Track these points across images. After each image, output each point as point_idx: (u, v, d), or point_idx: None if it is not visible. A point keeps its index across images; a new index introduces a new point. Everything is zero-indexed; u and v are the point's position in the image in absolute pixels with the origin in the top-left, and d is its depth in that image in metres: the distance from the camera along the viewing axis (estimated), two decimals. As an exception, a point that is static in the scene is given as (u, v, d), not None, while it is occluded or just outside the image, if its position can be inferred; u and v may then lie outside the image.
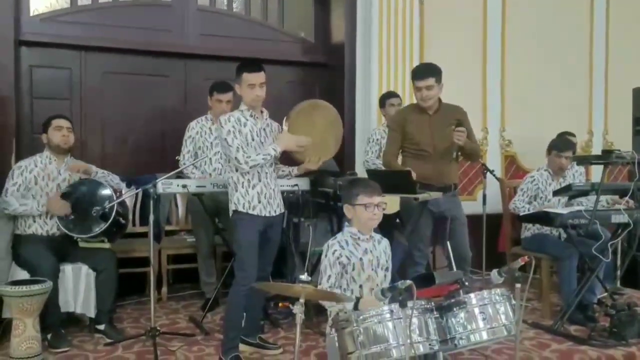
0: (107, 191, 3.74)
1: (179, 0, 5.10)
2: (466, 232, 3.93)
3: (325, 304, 2.74)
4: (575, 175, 4.49)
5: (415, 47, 5.39)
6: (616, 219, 3.90)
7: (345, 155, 5.17)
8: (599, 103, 6.41)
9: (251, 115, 3.29)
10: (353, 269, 2.73)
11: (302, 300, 2.22)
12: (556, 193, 4.19)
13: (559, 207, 4.26)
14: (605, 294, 4.27)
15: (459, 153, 3.86)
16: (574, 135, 5.23)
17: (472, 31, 5.73)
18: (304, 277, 2.27)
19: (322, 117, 3.62)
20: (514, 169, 5.96)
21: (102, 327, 3.69)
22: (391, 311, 2.32)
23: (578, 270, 4.11)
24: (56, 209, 3.65)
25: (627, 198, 3.95)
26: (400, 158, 3.98)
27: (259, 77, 3.23)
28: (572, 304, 3.90)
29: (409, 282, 2.14)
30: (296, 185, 3.91)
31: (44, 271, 3.46)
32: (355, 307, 2.56)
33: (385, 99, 4.85)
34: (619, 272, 4.80)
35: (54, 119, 3.81)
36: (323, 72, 5.60)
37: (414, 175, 3.54)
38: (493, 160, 5.78)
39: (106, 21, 4.87)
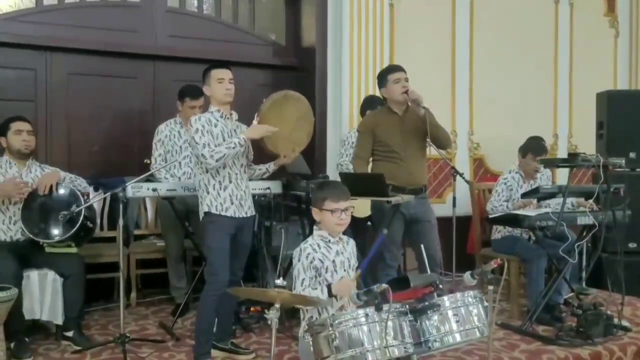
0: (74, 195, 3.64)
1: (147, 1, 5.02)
2: (436, 234, 3.96)
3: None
4: (543, 178, 4.57)
5: (385, 50, 5.44)
6: (582, 220, 3.99)
7: (316, 157, 5.17)
8: (564, 107, 6.57)
9: (222, 116, 3.27)
10: (327, 272, 2.72)
11: (277, 306, 2.20)
12: (524, 195, 4.26)
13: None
14: (572, 294, 4.36)
15: (428, 136, 3.79)
16: (544, 140, 5.33)
17: (441, 35, 5.80)
18: (279, 281, 2.25)
19: (294, 109, 3.54)
20: (482, 171, 6.05)
21: (70, 334, 3.60)
22: (366, 315, 2.32)
23: (545, 271, 4.18)
24: (9, 190, 3.50)
25: (592, 200, 4.04)
26: (370, 164, 3.99)
27: (227, 73, 3.26)
28: (539, 304, 3.96)
29: (384, 285, 2.14)
30: (268, 188, 3.90)
31: (4, 277, 3.34)
32: (330, 294, 2.55)
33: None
34: (584, 273, 4.92)
35: (12, 122, 3.68)
36: (294, 75, 5.58)
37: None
38: (462, 163, 5.85)
39: (72, 21, 4.76)
